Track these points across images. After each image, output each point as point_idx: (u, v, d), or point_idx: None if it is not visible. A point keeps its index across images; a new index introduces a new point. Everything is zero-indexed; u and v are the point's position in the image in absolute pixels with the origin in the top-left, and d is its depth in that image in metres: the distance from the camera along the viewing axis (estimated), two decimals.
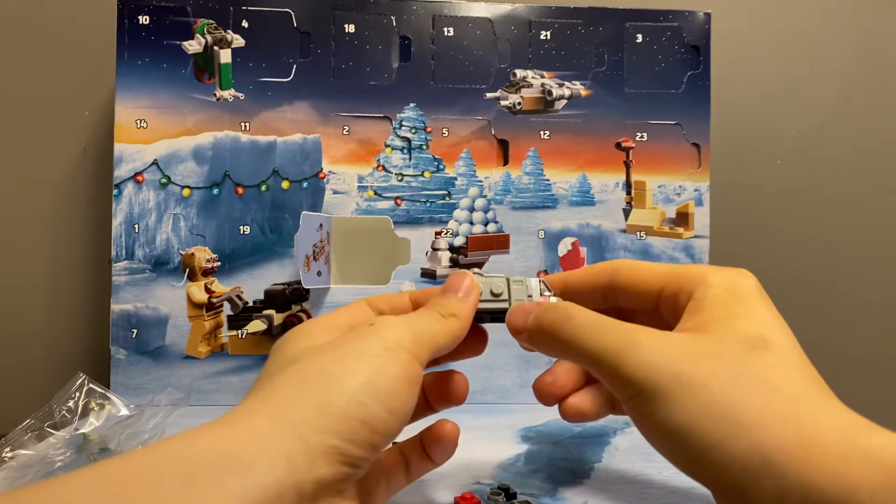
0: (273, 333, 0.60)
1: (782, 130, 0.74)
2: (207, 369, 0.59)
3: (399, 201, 0.62)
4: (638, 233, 0.63)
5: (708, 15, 0.63)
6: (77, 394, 0.49)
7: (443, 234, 0.62)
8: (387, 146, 0.62)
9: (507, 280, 0.35)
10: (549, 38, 0.63)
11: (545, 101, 0.62)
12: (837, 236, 0.74)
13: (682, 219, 0.63)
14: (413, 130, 0.62)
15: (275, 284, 0.60)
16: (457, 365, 0.37)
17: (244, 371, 0.59)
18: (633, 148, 0.63)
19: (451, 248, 0.62)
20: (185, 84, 0.60)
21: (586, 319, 0.30)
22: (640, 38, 0.63)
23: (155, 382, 0.58)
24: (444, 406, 0.35)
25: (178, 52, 0.59)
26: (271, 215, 0.60)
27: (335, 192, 0.61)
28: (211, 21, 0.60)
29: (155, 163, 0.59)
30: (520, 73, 0.62)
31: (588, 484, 0.42)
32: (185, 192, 0.59)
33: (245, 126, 0.60)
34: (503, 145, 0.63)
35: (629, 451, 0.48)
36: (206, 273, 0.59)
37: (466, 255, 0.62)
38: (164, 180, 0.59)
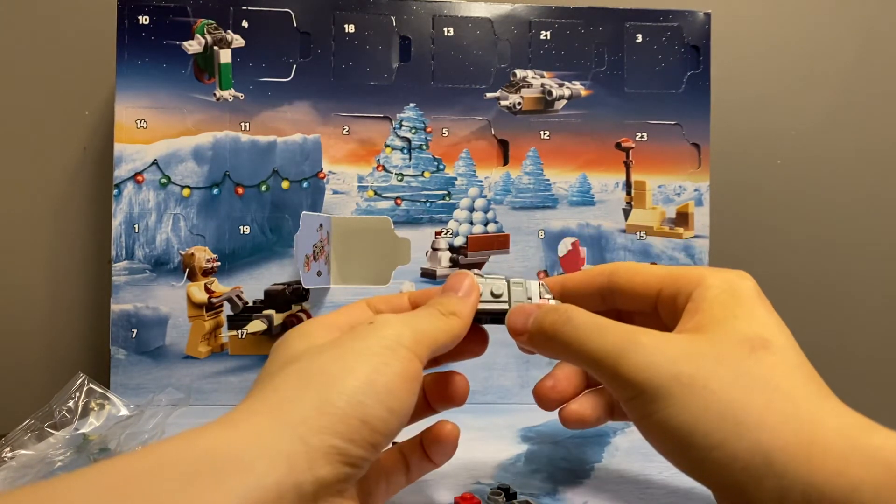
0: (273, 333, 0.60)
1: (782, 130, 0.74)
2: (207, 369, 0.59)
3: (399, 201, 0.62)
4: (638, 233, 0.63)
5: (708, 15, 0.63)
6: (77, 394, 0.49)
7: (443, 234, 0.62)
8: (387, 146, 0.62)
9: (508, 282, 0.35)
10: (549, 38, 0.63)
11: (545, 101, 0.62)
12: (837, 236, 0.74)
13: (682, 219, 0.63)
14: (413, 130, 0.62)
15: (275, 284, 0.60)
16: (456, 365, 0.37)
17: (244, 371, 0.59)
18: (633, 148, 0.63)
19: (451, 248, 0.62)
20: (185, 84, 0.60)
21: (586, 321, 0.30)
22: (640, 38, 0.63)
23: (155, 382, 0.58)
24: (444, 407, 0.35)
25: (178, 52, 0.59)
26: (271, 215, 0.60)
27: (335, 192, 0.61)
28: (211, 21, 0.60)
29: (155, 163, 0.59)
30: (520, 73, 0.62)
31: (588, 484, 0.42)
32: (185, 192, 0.59)
33: (245, 126, 0.60)
34: (503, 145, 0.63)
35: (629, 451, 0.48)
36: (206, 273, 0.59)
37: (466, 255, 0.62)
38: (164, 180, 0.59)
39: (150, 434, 0.45)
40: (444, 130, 0.62)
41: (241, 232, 0.60)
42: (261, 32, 0.60)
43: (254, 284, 0.60)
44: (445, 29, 0.62)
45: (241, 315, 0.60)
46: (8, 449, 0.44)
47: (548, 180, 0.63)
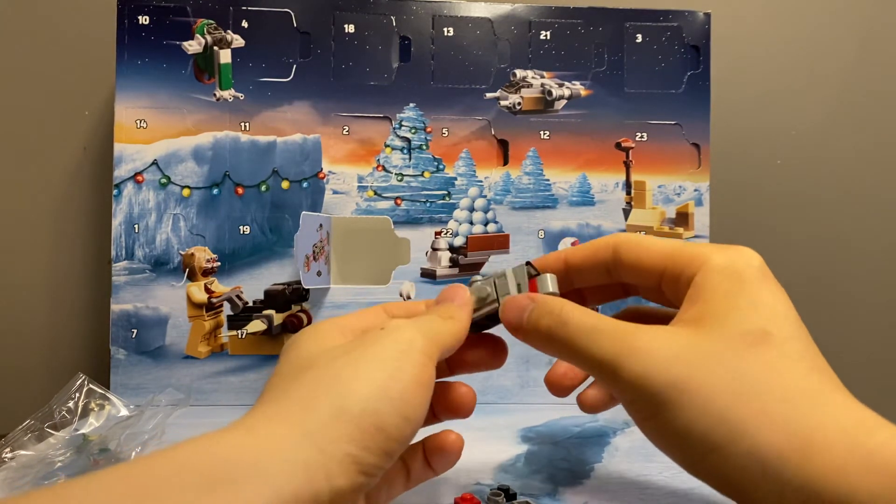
0: (273, 333, 0.60)
1: (782, 130, 0.74)
2: (207, 369, 0.59)
3: (399, 201, 0.62)
4: (638, 233, 0.63)
5: (708, 15, 0.63)
6: (77, 394, 0.49)
7: (443, 234, 0.62)
8: (387, 146, 0.62)
9: (493, 280, 0.35)
10: (549, 38, 0.62)
11: (545, 101, 0.62)
12: (838, 236, 0.74)
13: (682, 219, 0.63)
14: (413, 130, 0.62)
15: (275, 284, 0.60)
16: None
17: (244, 371, 0.59)
18: (632, 148, 0.63)
19: (451, 248, 0.62)
20: (185, 84, 0.60)
21: (581, 325, 0.30)
22: (640, 38, 0.63)
23: (155, 382, 0.58)
24: (449, 417, 0.35)
25: (178, 52, 0.59)
26: (271, 215, 0.60)
27: (335, 192, 0.61)
28: (211, 21, 0.60)
29: (155, 163, 0.59)
30: (520, 73, 0.62)
31: (588, 484, 0.42)
32: (185, 192, 0.59)
33: (245, 126, 0.60)
34: (503, 145, 0.63)
35: (629, 451, 0.48)
36: (206, 273, 0.59)
37: (466, 255, 0.62)
38: (163, 180, 0.59)
39: (150, 434, 0.45)
40: (444, 130, 0.62)
41: (241, 232, 0.60)
42: (261, 32, 0.60)
43: (254, 284, 0.60)
44: (445, 29, 0.62)
45: (241, 315, 0.60)
46: (8, 449, 0.44)
47: (548, 180, 0.63)
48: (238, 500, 0.22)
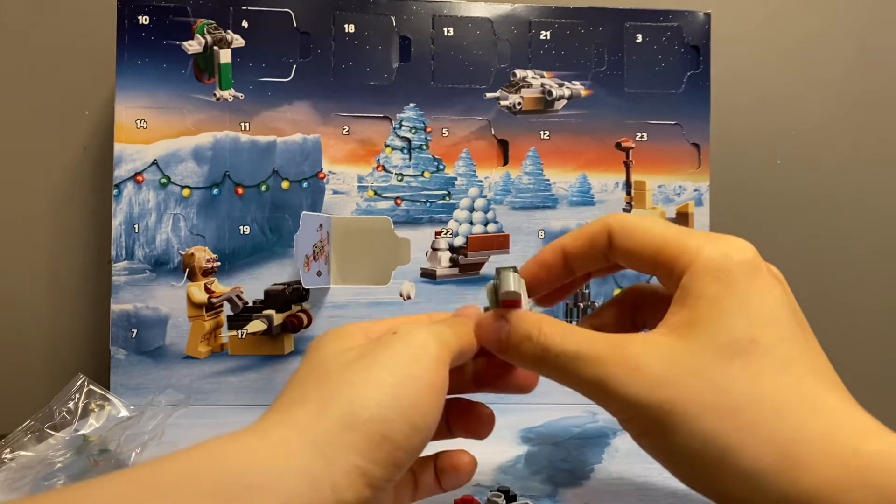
0: (273, 333, 0.60)
1: (782, 130, 0.74)
2: (207, 369, 0.59)
3: (399, 201, 0.62)
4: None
5: (708, 15, 0.63)
6: (77, 395, 0.49)
7: (443, 234, 0.62)
8: (387, 146, 0.62)
9: (493, 283, 0.34)
10: (549, 38, 0.62)
11: (545, 101, 0.62)
12: (838, 236, 0.74)
13: (682, 219, 0.63)
14: (413, 130, 0.62)
15: (275, 284, 0.60)
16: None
17: (244, 371, 0.59)
18: (633, 148, 0.63)
19: (451, 248, 0.62)
20: (185, 84, 0.60)
21: (562, 353, 0.29)
22: (640, 38, 0.63)
23: (155, 382, 0.58)
24: (464, 436, 0.35)
25: (178, 52, 0.59)
26: (271, 215, 0.60)
27: (335, 192, 0.61)
28: (211, 21, 0.60)
29: (155, 163, 0.59)
30: (520, 73, 0.62)
31: (588, 485, 0.42)
32: (185, 192, 0.59)
33: (245, 126, 0.60)
34: (503, 145, 0.63)
35: (629, 452, 0.48)
36: (206, 273, 0.59)
37: (466, 255, 0.62)
38: (164, 180, 0.59)
39: (150, 435, 0.45)
40: (444, 130, 0.62)
41: (241, 232, 0.60)
42: (261, 32, 0.60)
43: (254, 284, 0.60)
44: (445, 29, 0.62)
45: (241, 315, 0.60)
46: (8, 450, 0.44)
47: (548, 180, 0.63)
48: None
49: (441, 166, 0.62)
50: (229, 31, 0.60)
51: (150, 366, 0.58)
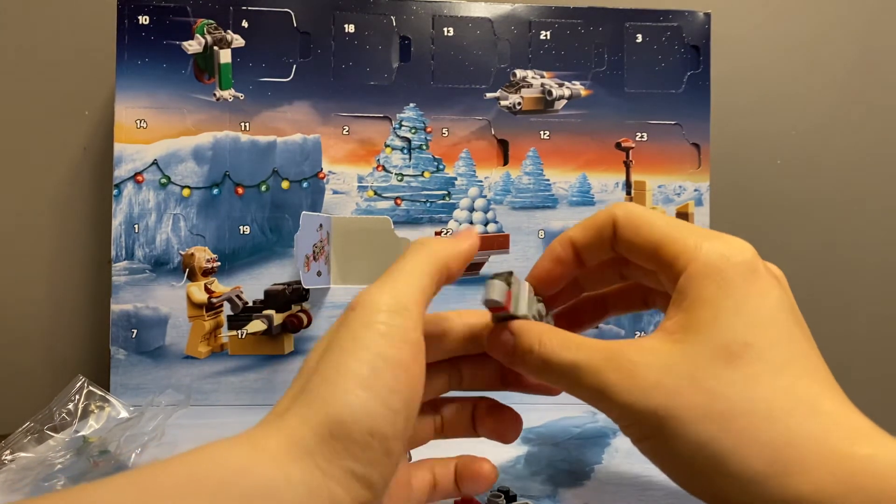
0: (273, 333, 0.60)
1: (782, 131, 0.74)
2: (207, 369, 0.59)
3: (399, 201, 0.62)
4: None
5: (708, 15, 0.63)
6: (77, 396, 0.49)
7: (443, 234, 0.62)
8: (387, 146, 0.62)
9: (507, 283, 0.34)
10: (549, 38, 0.62)
11: (545, 101, 0.62)
12: (837, 237, 0.74)
13: (682, 219, 0.63)
14: (413, 130, 0.62)
15: (275, 284, 0.60)
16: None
17: (244, 371, 0.59)
18: (633, 148, 0.63)
19: None
20: (185, 84, 0.60)
21: (561, 364, 0.29)
22: (640, 38, 0.63)
23: (155, 382, 0.58)
24: (488, 436, 0.35)
25: (178, 52, 0.59)
26: (271, 215, 0.60)
27: (335, 192, 0.61)
28: (211, 21, 0.60)
29: (155, 163, 0.59)
30: (520, 73, 0.62)
31: (588, 485, 0.42)
32: (185, 192, 0.59)
33: (245, 126, 0.60)
34: (503, 145, 0.63)
35: (629, 452, 0.48)
36: (206, 273, 0.59)
37: None
38: (164, 180, 0.59)
39: (150, 436, 0.45)
40: (444, 130, 0.62)
41: (241, 232, 0.60)
42: (261, 32, 0.60)
43: (254, 284, 0.60)
44: (445, 29, 0.62)
45: (241, 315, 0.60)
46: (8, 451, 0.44)
47: (548, 180, 0.63)
48: None
49: (441, 166, 0.62)
50: (229, 31, 0.60)
51: (150, 366, 0.58)
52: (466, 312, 0.35)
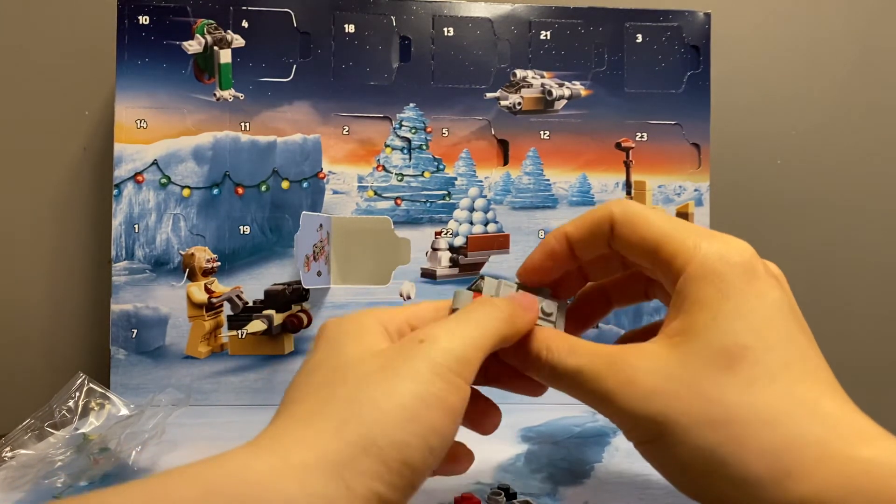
0: (273, 333, 0.60)
1: (782, 131, 0.74)
2: (207, 369, 0.59)
3: (399, 201, 0.62)
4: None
5: (708, 15, 0.63)
6: (77, 393, 0.49)
7: (443, 234, 0.62)
8: (387, 146, 0.62)
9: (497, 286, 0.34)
10: (549, 38, 0.63)
11: (545, 101, 0.62)
12: (837, 237, 0.74)
13: (682, 219, 0.63)
14: (413, 130, 0.62)
15: (275, 284, 0.60)
16: None
17: (244, 371, 0.59)
18: (633, 148, 0.63)
19: (451, 248, 0.62)
20: (185, 84, 0.60)
21: (564, 370, 0.30)
22: (640, 38, 0.63)
23: (155, 382, 0.58)
24: (467, 426, 0.34)
25: (178, 52, 0.59)
26: (271, 215, 0.60)
27: (335, 192, 0.61)
28: (211, 21, 0.60)
29: (155, 163, 0.59)
30: (520, 73, 0.62)
31: (588, 484, 0.42)
32: (185, 192, 0.59)
33: (245, 126, 0.60)
34: (503, 145, 0.63)
35: (629, 451, 0.47)
36: (206, 273, 0.59)
37: (466, 255, 0.62)
38: (164, 180, 0.59)
39: (150, 434, 0.45)
40: (444, 130, 0.62)
41: (241, 232, 0.60)
42: (261, 32, 0.60)
43: (254, 284, 0.60)
44: (445, 29, 0.62)
45: (241, 315, 0.60)
46: (8, 448, 0.44)
47: (548, 180, 0.63)
48: None
49: (441, 166, 0.62)
50: (229, 31, 0.60)
51: (150, 366, 0.58)
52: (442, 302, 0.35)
